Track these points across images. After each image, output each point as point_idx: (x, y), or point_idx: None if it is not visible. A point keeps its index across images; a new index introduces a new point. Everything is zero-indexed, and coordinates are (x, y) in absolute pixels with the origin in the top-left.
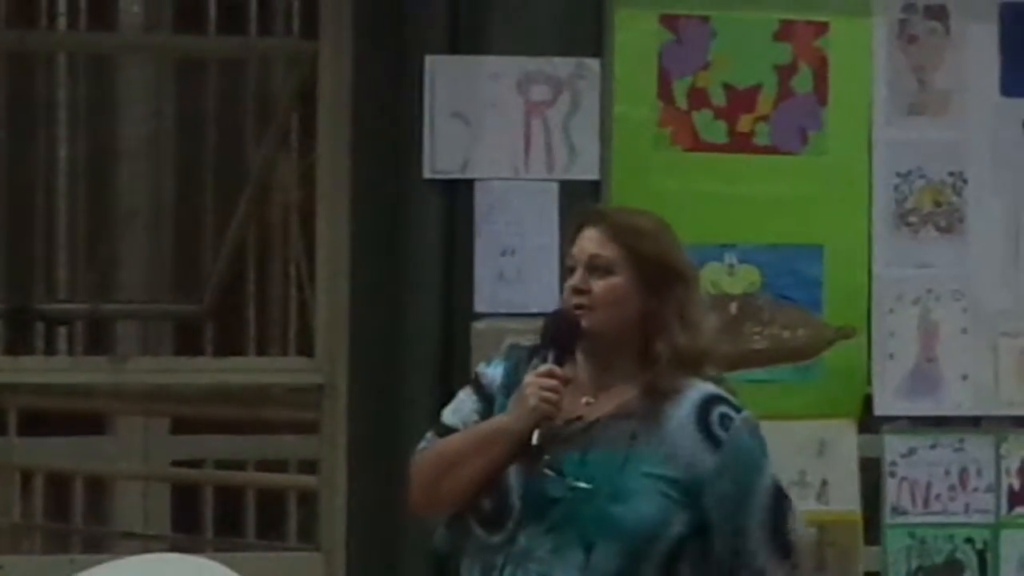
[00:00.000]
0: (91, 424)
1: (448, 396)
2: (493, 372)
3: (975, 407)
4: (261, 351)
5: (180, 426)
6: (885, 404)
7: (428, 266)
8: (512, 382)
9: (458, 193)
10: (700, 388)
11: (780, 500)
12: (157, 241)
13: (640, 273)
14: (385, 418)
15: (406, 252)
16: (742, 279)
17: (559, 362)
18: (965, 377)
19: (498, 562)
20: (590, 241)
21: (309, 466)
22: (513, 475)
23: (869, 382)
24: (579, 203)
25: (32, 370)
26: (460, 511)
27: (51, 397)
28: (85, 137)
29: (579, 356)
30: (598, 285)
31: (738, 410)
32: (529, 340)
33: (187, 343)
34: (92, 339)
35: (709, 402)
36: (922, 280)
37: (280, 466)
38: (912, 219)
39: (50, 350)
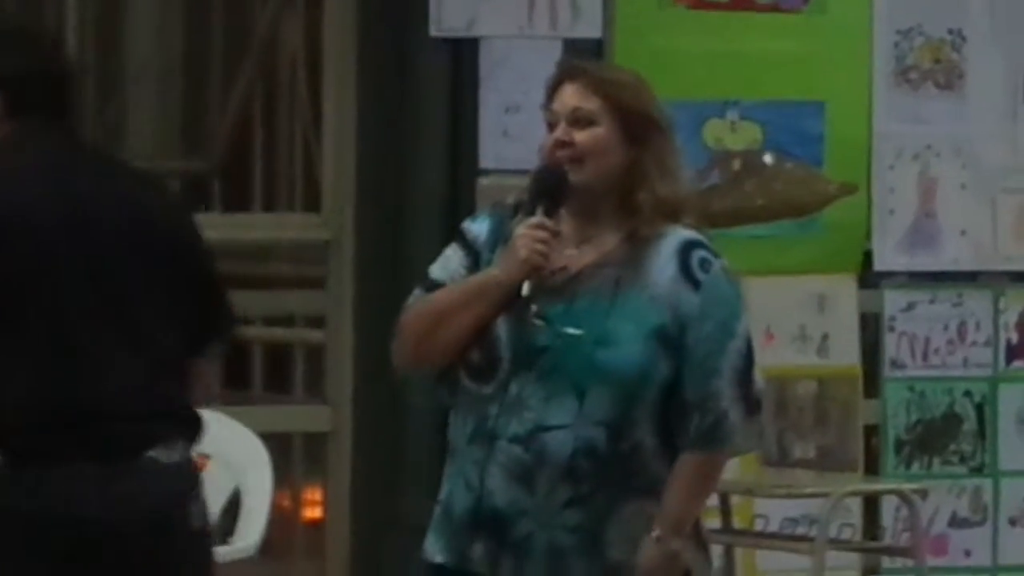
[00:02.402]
0: None
1: None
2: (478, 228)
3: (974, 262)
4: (268, 207)
5: None
6: (885, 259)
7: (434, 123)
8: (497, 238)
9: (463, 51)
10: (680, 233)
11: (751, 349)
12: (165, 99)
13: (622, 124)
14: (391, 273)
15: (412, 109)
16: (744, 135)
17: (548, 215)
18: (964, 232)
19: (491, 412)
20: (571, 95)
21: (316, 321)
22: (501, 326)
23: (869, 237)
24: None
25: None
26: (449, 364)
27: None
28: None
29: (563, 209)
30: (582, 136)
31: (716, 256)
32: (512, 197)
33: (195, 199)
34: None
35: (689, 246)
36: (922, 136)
37: (287, 321)
38: (912, 76)
39: None
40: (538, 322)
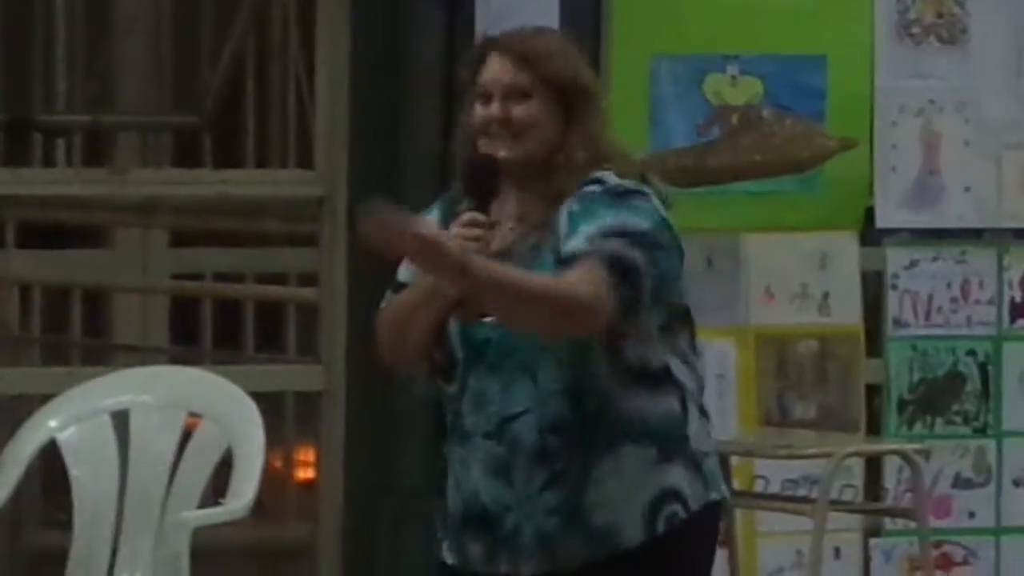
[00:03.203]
0: (90, 236)
1: None
2: (430, 221)
3: (977, 219)
4: (261, 163)
5: (179, 238)
6: (887, 216)
7: (429, 77)
8: (447, 227)
9: (460, 4)
10: (592, 178)
11: (625, 229)
12: (156, 51)
13: (554, 95)
14: None
15: (407, 64)
16: (745, 90)
17: (481, 208)
18: (967, 189)
19: (463, 410)
20: (502, 68)
21: (308, 279)
22: (452, 325)
23: (871, 194)
24: (578, 16)
25: (31, 182)
26: (424, 364)
27: (50, 209)
28: None
29: (506, 188)
30: (518, 111)
31: (603, 182)
32: (458, 184)
33: (186, 155)
34: (91, 151)
35: (584, 185)
36: (925, 91)
37: (279, 279)
38: (915, 30)
39: (49, 162)
40: (484, 319)
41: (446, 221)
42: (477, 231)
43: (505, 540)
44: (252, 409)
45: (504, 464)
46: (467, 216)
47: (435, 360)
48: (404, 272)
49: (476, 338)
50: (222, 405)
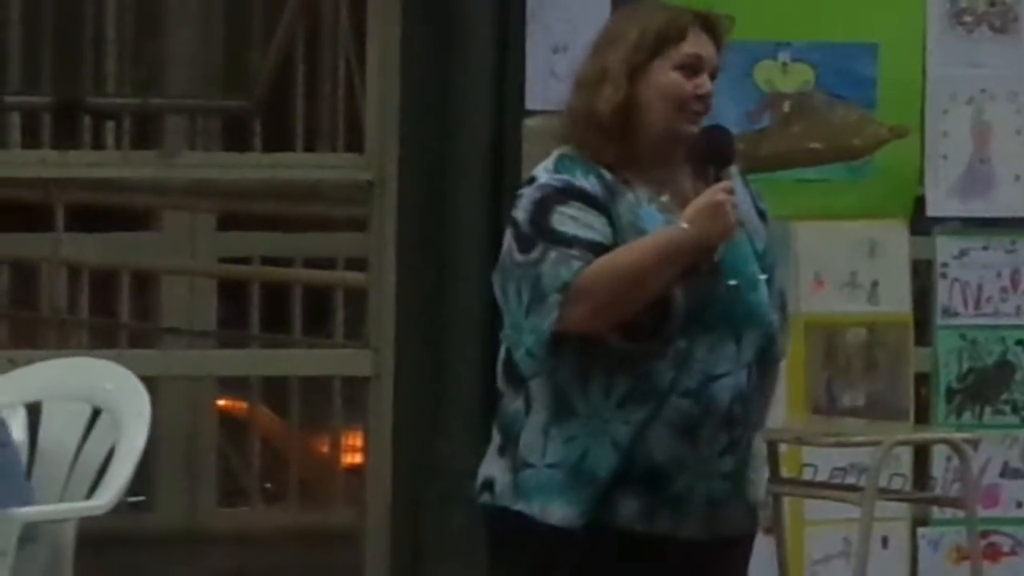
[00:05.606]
0: (138, 219)
1: (498, 194)
2: (590, 185)
3: None
4: (310, 147)
5: (227, 222)
6: (937, 205)
7: (480, 62)
8: (612, 193)
9: None
10: (728, 169)
11: None
12: (206, 34)
13: None
14: (434, 215)
15: (458, 48)
16: (796, 77)
17: (722, 176)
18: (1018, 178)
19: (659, 368)
20: (715, 52)
21: (357, 263)
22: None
23: (921, 182)
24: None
25: (80, 164)
26: (620, 324)
27: (99, 192)
28: None
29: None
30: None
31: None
32: (568, 150)
33: (235, 138)
34: (140, 134)
35: (744, 178)
36: (976, 80)
37: (328, 263)
38: (967, 19)
39: (97, 144)
40: (732, 282)
41: (604, 188)
42: (733, 198)
43: (671, 499)
44: (143, 403)
45: (694, 424)
46: (726, 183)
47: (634, 319)
48: (585, 231)
49: (707, 299)
50: (117, 397)
